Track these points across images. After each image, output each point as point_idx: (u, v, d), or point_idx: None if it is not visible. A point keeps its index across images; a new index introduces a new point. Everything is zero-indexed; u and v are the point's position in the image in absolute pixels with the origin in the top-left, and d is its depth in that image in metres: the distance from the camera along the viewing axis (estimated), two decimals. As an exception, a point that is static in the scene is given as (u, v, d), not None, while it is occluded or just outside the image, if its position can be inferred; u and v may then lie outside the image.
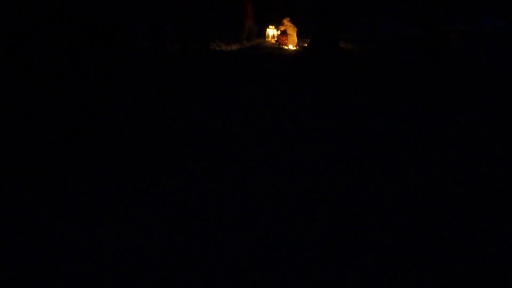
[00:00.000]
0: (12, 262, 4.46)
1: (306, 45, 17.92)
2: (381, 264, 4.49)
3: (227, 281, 4.25)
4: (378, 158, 7.16)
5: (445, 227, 5.13)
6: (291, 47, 18.31)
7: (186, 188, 6.03)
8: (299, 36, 18.58)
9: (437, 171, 6.70)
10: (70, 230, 4.98)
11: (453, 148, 7.65)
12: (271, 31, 19.19)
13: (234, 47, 18.46)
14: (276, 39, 18.89)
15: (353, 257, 4.59)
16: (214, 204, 5.61)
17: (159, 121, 8.42)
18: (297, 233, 4.98)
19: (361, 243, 4.82)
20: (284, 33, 18.52)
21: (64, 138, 6.81)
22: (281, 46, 18.39)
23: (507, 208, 5.61)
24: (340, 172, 6.64)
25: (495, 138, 8.20)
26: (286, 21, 18.58)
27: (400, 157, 7.19)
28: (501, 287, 4.25)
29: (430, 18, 14.21)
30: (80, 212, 5.35)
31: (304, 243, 4.81)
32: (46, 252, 4.61)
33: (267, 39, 19.20)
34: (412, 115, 9.62)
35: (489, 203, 5.72)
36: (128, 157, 6.96)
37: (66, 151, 6.75)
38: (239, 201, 5.69)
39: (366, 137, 8.17)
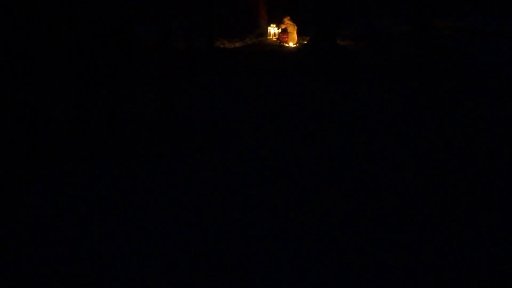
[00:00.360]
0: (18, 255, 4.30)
1: (305, 42, 17.76)
2: (382, 264, 4.23)
3: (228, 280, 4.01)
4: (374, 149, 7.04)
5: (444, 223, 4.89)
6: (291, 44, 18.17)
7: (187, 186, 5.82)
8: (299, 34, 18.45)
9: (434, 163, 6.54)
10: (70, 228, 4.77)
11: (450, 143, 7.45)
12: (272, 30, 19.07)
13: (237, 44, 18.29)
14: (277, 37, 18.77)
15: (354, 257, 4.34)
16: (214, 202, 5.38)
17: (165, 117, 8.24)
18: (297, 233, 4.72)
19: (362, 243, 4.56)
20: (284, 31, 18.41)
21: (72, 135, 6.70)
22: (282, 43, 18.28)
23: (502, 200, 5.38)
24: (341, 166, 6.44)
25: (487, 126, 8.30)
26: (286, 20, 18.46)
27: (397, 151, 6.99)
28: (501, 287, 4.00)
29: (424, 16, 13.99)
30: (82, 209, 5.15)
31: (305, 242, 4.56)
32: (47, 248, 4.41)
33: (268, 37, 19.06)
34: (404, 107, 9.66)
35: (489, 201, 5.48)
36: (131, 155, 6.75)
37: (73, 148, 6.64)
38: (241, 199, 5.47)
39: (361, 127, 8.16)
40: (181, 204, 5.34)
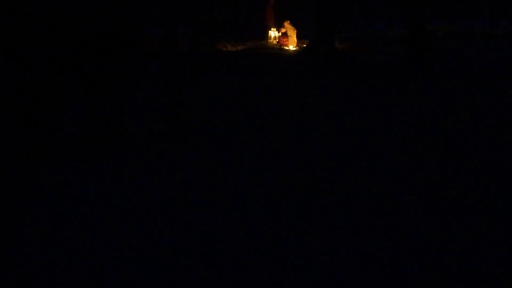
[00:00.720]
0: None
1: (305, 45, 17.85)
2: (382, 263, 4.08)
3: (228, 279, 3.88)
4: (371, 147, 6.92)
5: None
6: (291, 47, 18.24)
7: (188, 186, 5.69)
8: (298, 37, 18.49)
9: (432, 161, 6.40)
10: (73, 226, 4.64)
11: (446, 140, 7.33)
12: (273, 33, 19.14)
13: (239, 47, 18.40)
14: (277, 40, 18.82)
15: (353, 257, 4.17)
16: (215, 202, 5.24)
17: (168, 118, 8.16)
18: (298, 233, 4.57)
19: (361, 242, 4.40)
20: (284, 35, 18.47)
21: (80, 134, 6.70)
22: (282, 47, 18.34)
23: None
24: (340, 165, 6.34)
25: (480, 122, 8.33)
26: (286, 24, 18.53)
27: (394, 150, 6.86)
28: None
29: (418, 19, 14.12)
30: (86, 207, 5.03)
31: (305, 242, 4.41)
32: (52, 245, 4.24)
33: (269, 41, 19.12)
34: (401, 106, 9.71)
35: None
36: (136, 154, 6.71)
37: (80, 146, 6.62)
38: (242, 196, 5.36)
39: (359, 127, 8.17)
40: (183, 203, 5.20)
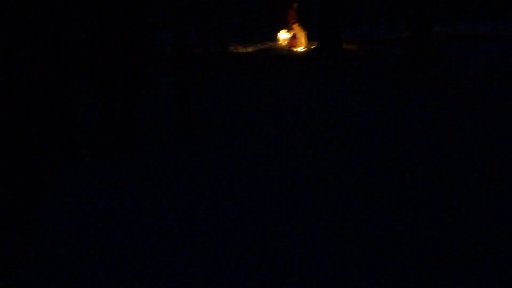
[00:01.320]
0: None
1: (313, 47, 17.92)
2: (383, 264, 3.92)
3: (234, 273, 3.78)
4: (372, 146, 6.80)
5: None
6: (300, 49, 18.28)
7: (192, 186, 5.61)
8: (307, 39, 18.56)
9: (432, 160, 6.28)
10: (81, 224, 4.56)
11: (443, 139, 7.23)
12: (282, 35, 19.20)
13: (249, 49, 18.49)
14: (287, 42, 18.90)
15: (354, 257, 4.02)
16: (217, 202, 5.15)
17: (180, 119, 8.16)
18: (299, 232, 4.45)
19: (362, 243, 4.25)
20: (294, 36, 18.53)
21: (93, 134, 6.76)
22: (291, 48, 18.39)
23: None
24: (344, 164, 6.25)
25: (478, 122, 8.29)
26: (295, 26, 18.62)
27: (395, 149, 6.77)
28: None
29: (420, 22, 14.14)
30: (95, 206, 4.96)
31: (308, 241, 4.27)
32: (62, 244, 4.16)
33: (278, 42, 19.17)
34: (404, 105, 9.79)
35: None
36: (146, 155, 6.71)
37: (93, 145, 6.66)
38: (248, 196, 5.26)
39: (362, 126, 8.19)
40: (189, 203, 5.13)
